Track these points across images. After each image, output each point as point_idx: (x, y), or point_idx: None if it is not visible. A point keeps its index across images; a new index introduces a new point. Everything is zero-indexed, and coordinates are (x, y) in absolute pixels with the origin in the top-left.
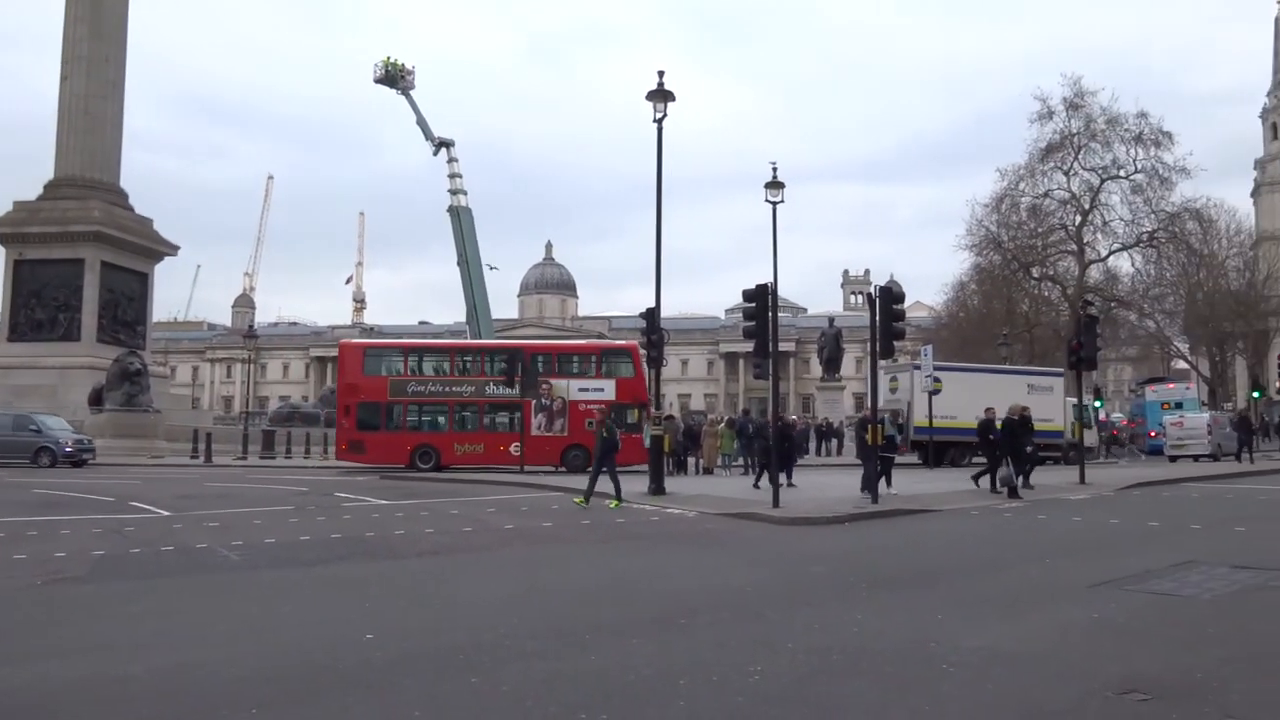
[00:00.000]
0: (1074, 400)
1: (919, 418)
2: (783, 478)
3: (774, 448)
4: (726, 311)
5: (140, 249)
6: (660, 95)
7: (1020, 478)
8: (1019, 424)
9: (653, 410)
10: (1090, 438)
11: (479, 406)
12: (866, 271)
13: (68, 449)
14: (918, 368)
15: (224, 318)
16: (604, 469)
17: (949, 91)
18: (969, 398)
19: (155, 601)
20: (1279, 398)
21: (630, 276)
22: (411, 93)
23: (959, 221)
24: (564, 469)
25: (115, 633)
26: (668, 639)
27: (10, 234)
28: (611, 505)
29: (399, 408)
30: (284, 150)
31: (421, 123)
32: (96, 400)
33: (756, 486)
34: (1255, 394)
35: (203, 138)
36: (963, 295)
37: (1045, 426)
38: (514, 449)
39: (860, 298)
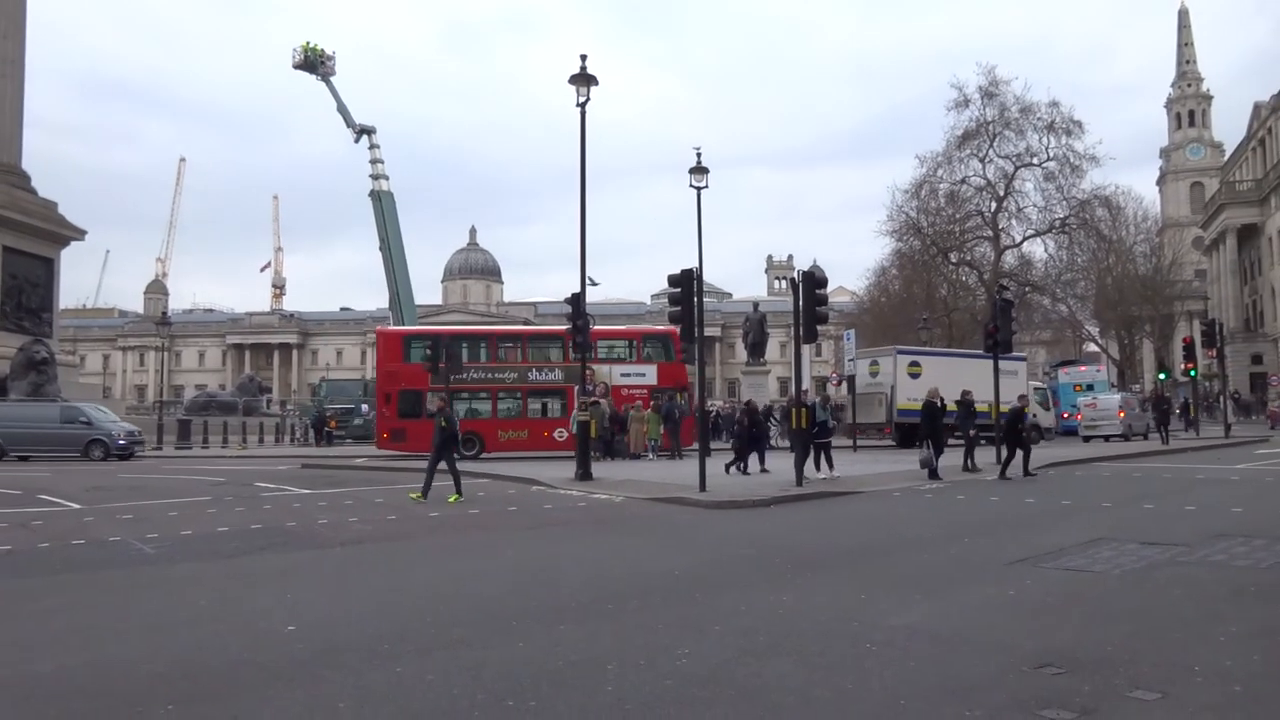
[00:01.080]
0: (1035, 384)
1: (902, 401)
2: (754, 463)
3: (698, 428)
4: (652, 297)
5: (44, 233)
6: (583, 79)
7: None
8: (941, 408)
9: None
10: (1047, 419)
11: (522, 393)
12: (790, 257)
13: (121, 441)
14: (901, 352)
15: (136, 305)
16: (442, 460)
17: (865, 81)
18: (944, 381)
19: (65, 597)
20: (1184, 380)
21: (555, 262)
22: (332, 79)
23: (879, 208)
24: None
25: (22, 630)
26: (596, 624)
27: None
28: (451, 500)
29: (439, 395)
30: (197, 135)
31: (342, 109)
32: (0, 390)
33: (729, 472)
34: (1161, 375)
35: (110, 121)
36: (884, 280)
37: (1008, 408)
38: (558, 435)
39: (784, 283)
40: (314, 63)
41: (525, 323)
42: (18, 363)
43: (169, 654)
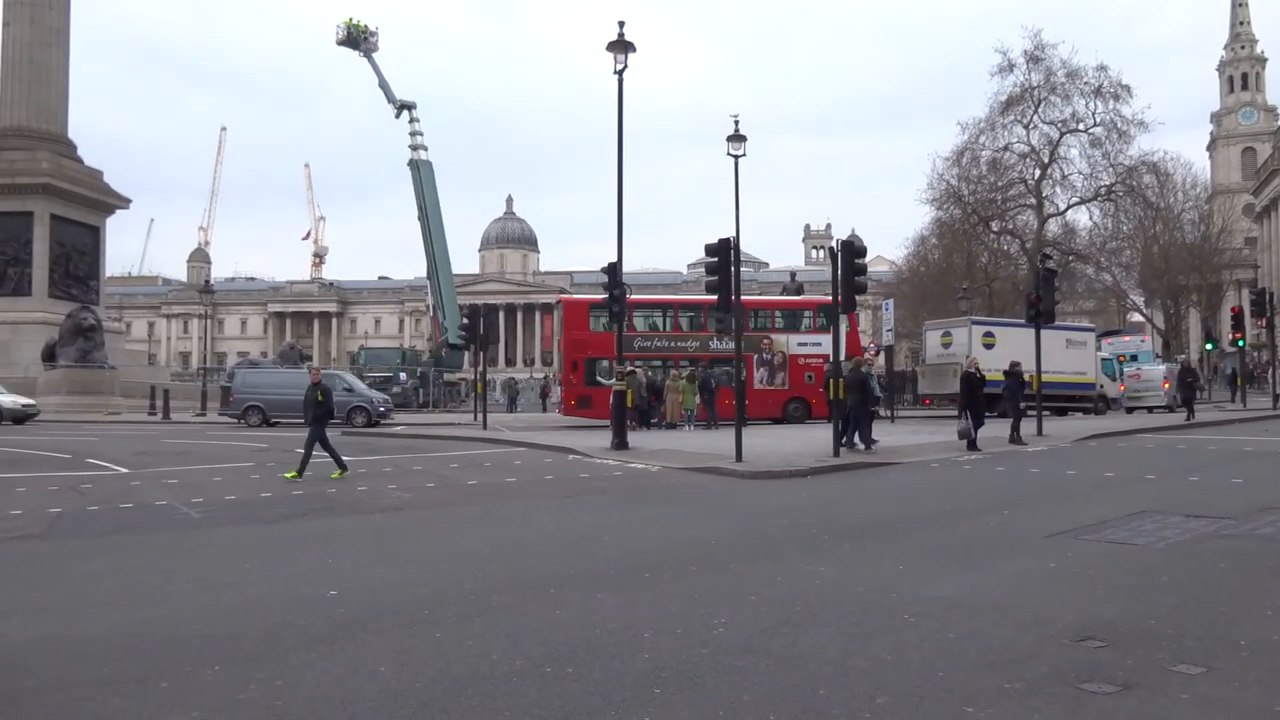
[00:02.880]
0: (1102, 355)
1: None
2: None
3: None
4: (689, 266)
5: (91, 202)
6: (621, 46)
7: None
8: (980, 379)
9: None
10: (1113, 390)
11: (704, 362)
12: (828, 225)
13: (381, 409)
14: (976, 323)
15: (179, 273)
16: (318, 439)
17: (900, 44)
18: (1014, 352)
19: (115, 559)
20: (1232, 350)
21: (590, 231)
22: (374, 55)
23: (918, 175)
24: (785, 421)
25: (75, 590)
26: (633, 593)
27: None
28: (334, 476)
29: (627, 363)
30: (236, 104)
31: (384, 85)
32: (49, 356)
33: (847, 445)
34: (1209, 346)
35: (153, 90)
36: (923, 249)
37: (1078, 379)
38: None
39: (822, 252)
40: (356, 39)
41: (562, 291)
42: (66, 329)
43: (215, 615)
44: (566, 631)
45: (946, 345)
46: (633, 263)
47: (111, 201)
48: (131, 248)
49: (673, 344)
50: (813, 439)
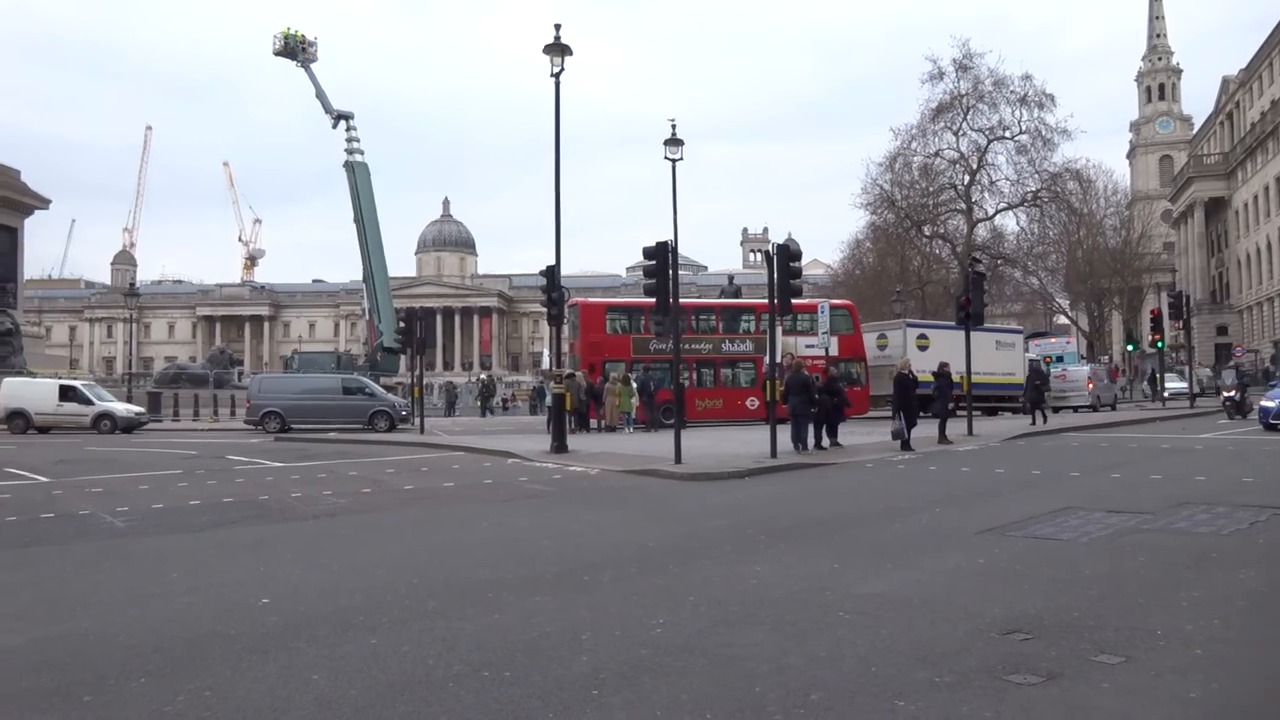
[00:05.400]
0: (1031, 356)
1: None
2: (825, 437)
3: (675, 401)
4: (628, 269)
5: (7, 202)
6: (557, 49)
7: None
8: (913, 380)
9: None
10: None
11: (716, 363)
12: (765, 229)
13: (404, 413)
14: (911, 325)
15: (103, 276)
16: None
17: (829, 54)
18: (947, 354)
19: (34, 571)
20: (1152, 351)
21: (529, 234)
22: (312, 65)
23: (854, 180)
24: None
25: None
26: (571, 596)
27: None
28: None
29: (642, 366)
30: (161, 103)
31: (321, 95)
32: None
33: (820, 446)
34: (1130, 347)
35: (69, 88)
36: (858, 253)
37: (1008, 380)
38: (750, 403)
39: (759, 256)
40: (294, 49)
41: (500, 295)
42: None
43: (141, 627)
44: (504, 635)
45: (882, 347)
46: (571, 266)
47: (30, 202)
48: (52, 250)
49: (687, 346)
50: (751, 440)
